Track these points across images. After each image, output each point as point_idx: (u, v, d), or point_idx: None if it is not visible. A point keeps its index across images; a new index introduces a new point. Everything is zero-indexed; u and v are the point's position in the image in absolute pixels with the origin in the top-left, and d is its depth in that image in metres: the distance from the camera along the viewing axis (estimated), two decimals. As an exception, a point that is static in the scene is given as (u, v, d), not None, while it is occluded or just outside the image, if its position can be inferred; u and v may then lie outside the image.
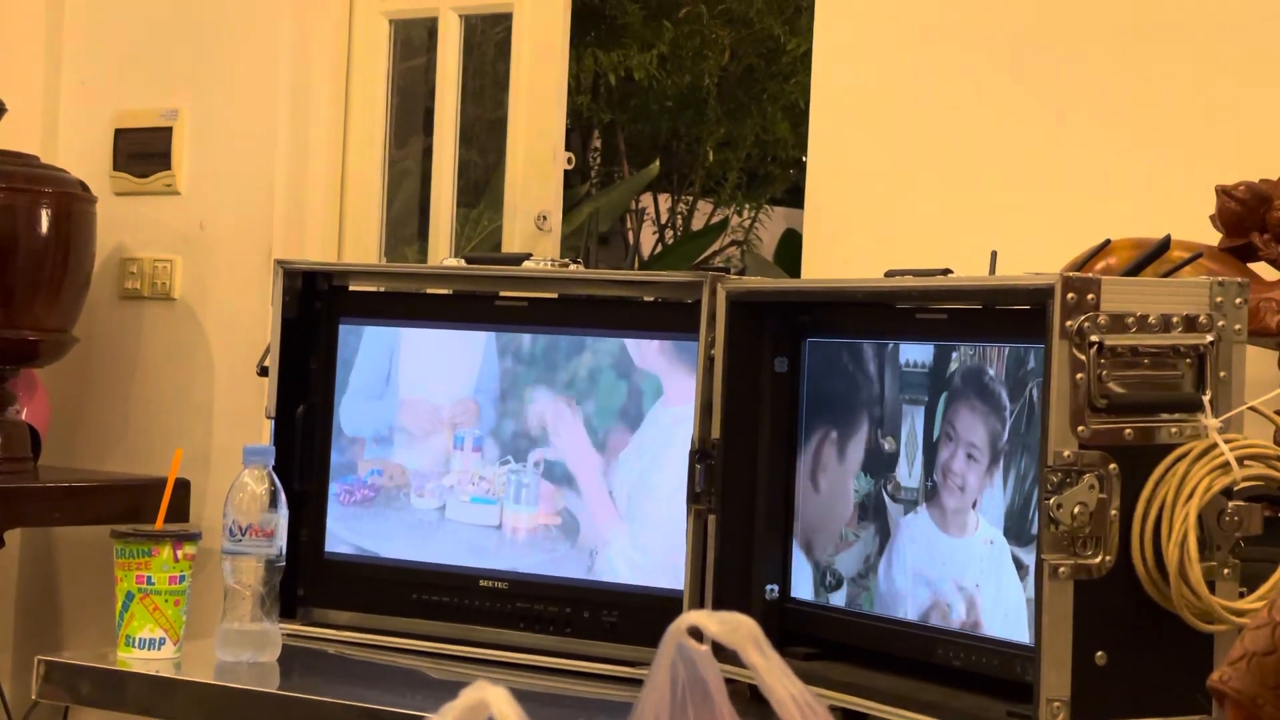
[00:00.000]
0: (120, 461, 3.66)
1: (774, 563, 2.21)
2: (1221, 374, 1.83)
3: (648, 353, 2.38)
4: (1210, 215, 2.43)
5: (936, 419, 2.03)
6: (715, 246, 7.46)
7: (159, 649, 2.31)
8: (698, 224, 7.85)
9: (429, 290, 2.59)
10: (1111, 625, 1.77)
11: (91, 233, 3.50)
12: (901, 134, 2.89)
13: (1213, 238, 2.43)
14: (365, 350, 2.56)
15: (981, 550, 1.95)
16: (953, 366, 2.02)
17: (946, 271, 2.12)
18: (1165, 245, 2.03)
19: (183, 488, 3.29)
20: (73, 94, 3.80)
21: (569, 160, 3.52)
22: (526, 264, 2.46)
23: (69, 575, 3.76)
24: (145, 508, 3.24)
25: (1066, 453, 1.76)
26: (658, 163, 7.29)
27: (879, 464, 2.11)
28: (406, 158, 3.87)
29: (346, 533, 2.55)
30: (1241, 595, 1.80)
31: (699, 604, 2.19)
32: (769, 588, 2.21)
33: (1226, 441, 1.78)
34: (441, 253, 3.50)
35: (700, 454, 2.21)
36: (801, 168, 5.42)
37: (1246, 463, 1.78)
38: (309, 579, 2.55)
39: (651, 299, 2.44)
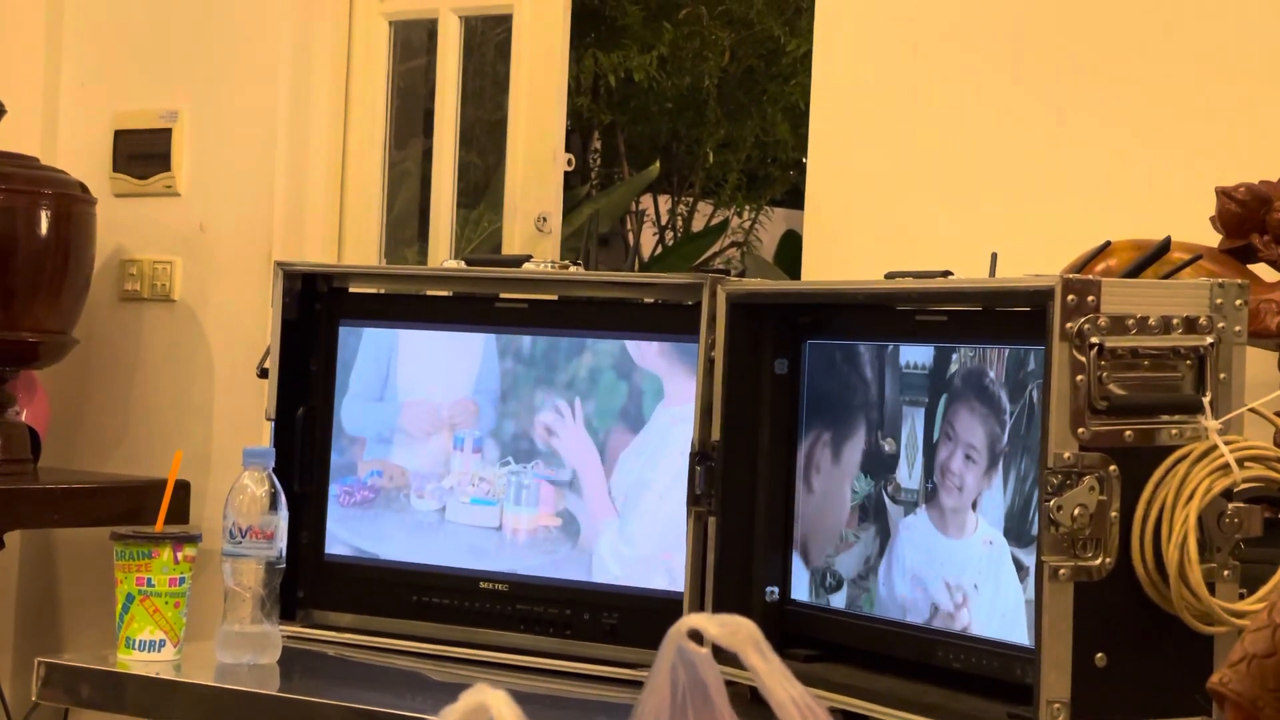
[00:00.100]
0: (120, 463, 3.66)
1: (774, 565, 2.21)
2: (1221, 375, 1.83)
3: (648, 354, 2.38)
4: (1210, 217, 2.43)
5: (937, 420, 2.03)
6: (715, 248, 7.46)
7: (159, 651, 2.31)
8: (698, 225, 7.85)
9: (429, 292, 2.59)
10: (1111, 627, 1.77)
11: (91, 234, 3.50)
12: (902, 136, 2.89)
13: (1213, 239, 2.43)
14: (365, 352, 2.56)
15: (981, 551, 1.95)
16: (953, 368, 2.02)
17: (946, 273, 2.12)
18: (1165, 247, 2.04)
19: (183, 489, 3.29)
20: (72, 95, 3.80)
21: (569, 162, 3.52)
22: (526, 266, 2.46)
23: (69, 577, 3.76)
24: (145, 509, 3.24)
25: (1067, 454, 1.76)
26: (658, 164, 7.29)
27: (879, 465, 2.11)
28: (406, 159, 3.87)
29: (346, 534, 2.55)
30: (1241, 597, 1.80)
31: (699, 606, 2.19)
32: (769, 589, 2.21)
33: (1227, 443, 1.78)
34: (441, 254, 3.50)
35: (700, 456, 2.21)
36: (802, 169, 5.41)
37: (1247, 464, 1.78)
38: (309, 581, 2.55)
39: (651, 300, 2.44)
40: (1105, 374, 1.78)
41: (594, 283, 2.48)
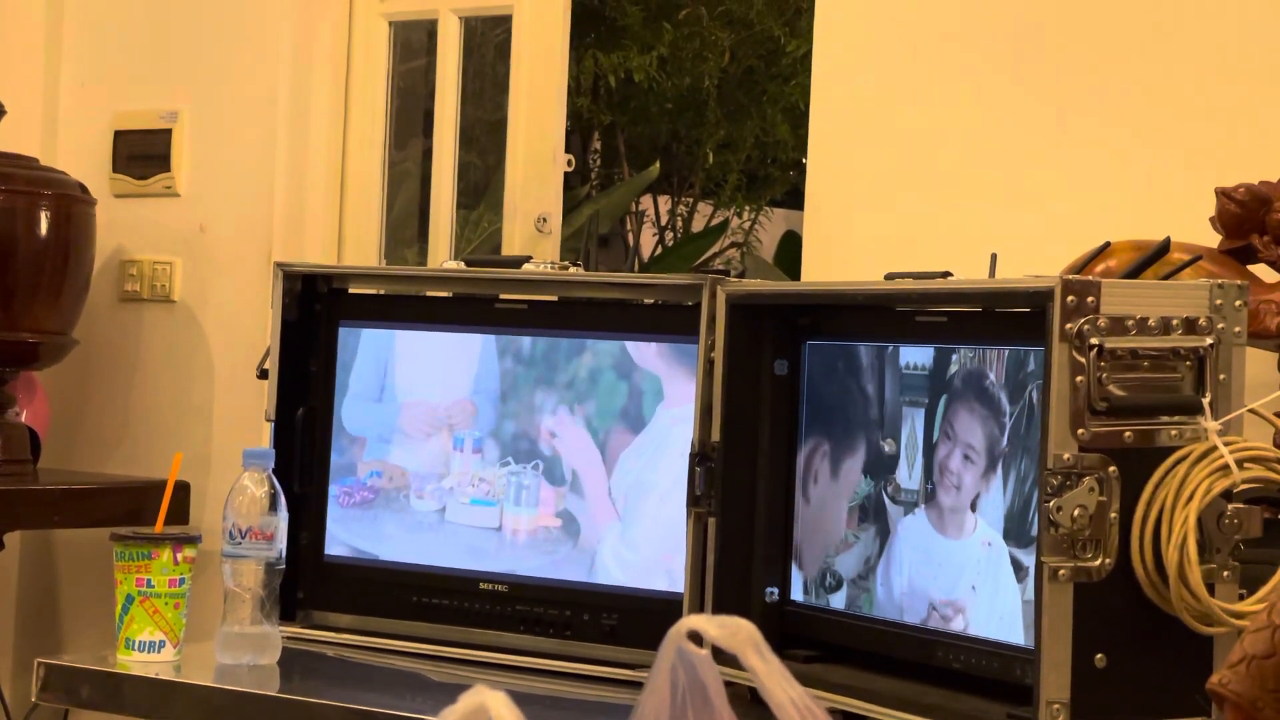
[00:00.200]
0: (120, 464, 3.66)
1: (774, 565, 2.21)
2: (1221, 376, 1.83)
3: (648, 355, 2.38)
4: (1210, 217, 2.43)
5: (936, 421, 2.03)
6: (715, 248, 7.47)
7: (159, 652, 2.31)
8: (698, 226, 7.85)
9: (429, 293, 2.59)
10: (1111, 628, 1.77)
11: (91, 235, 3.50)
12: (901, 136, 2.89)
13: (1212, 240, 2.43)
14: (365, 353, 2.56)
15: (979, 552, 1.95)
16: (953, 369, 2.02)
17: (946, 274, 2.12)
18: (1165, 248, 2.04)
19: (182, 490, 3.29)
20: (72, 96, 3.80)
21: (569, 162, 3.52)
22: (526, 266, 2.46)
23: (69, 578, 3.76)
24: (145, 510, 3.23)
25: (1066, 455, 1.76)
26: (658, 164, 7.29)
27: (879, 466, 2.11)
28: (406, 159, 3.87)
29: (346, 535, 2.55)
30: (1241, 598, 1.80)
31: (699, 607, 2.19)
32: (769, 590, 2.21)
33: (1226, 444, 1.78)
34: (441, 255, 3.50)
35: (700, 457, 2.21)
36: (802, 169, 5.41)
37: (1246, 465, 1.78)
38: (309, 582, 2.55)
39: (651, 301, 2.44)
40: (1105, 375, 1.78)
41: (594, 283, 2.48)
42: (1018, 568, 1.89)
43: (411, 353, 2.54)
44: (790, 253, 6.54)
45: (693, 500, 2.21)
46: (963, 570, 1.97)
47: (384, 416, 2.55)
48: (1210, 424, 1.80)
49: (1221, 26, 2.65)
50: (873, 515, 2.11)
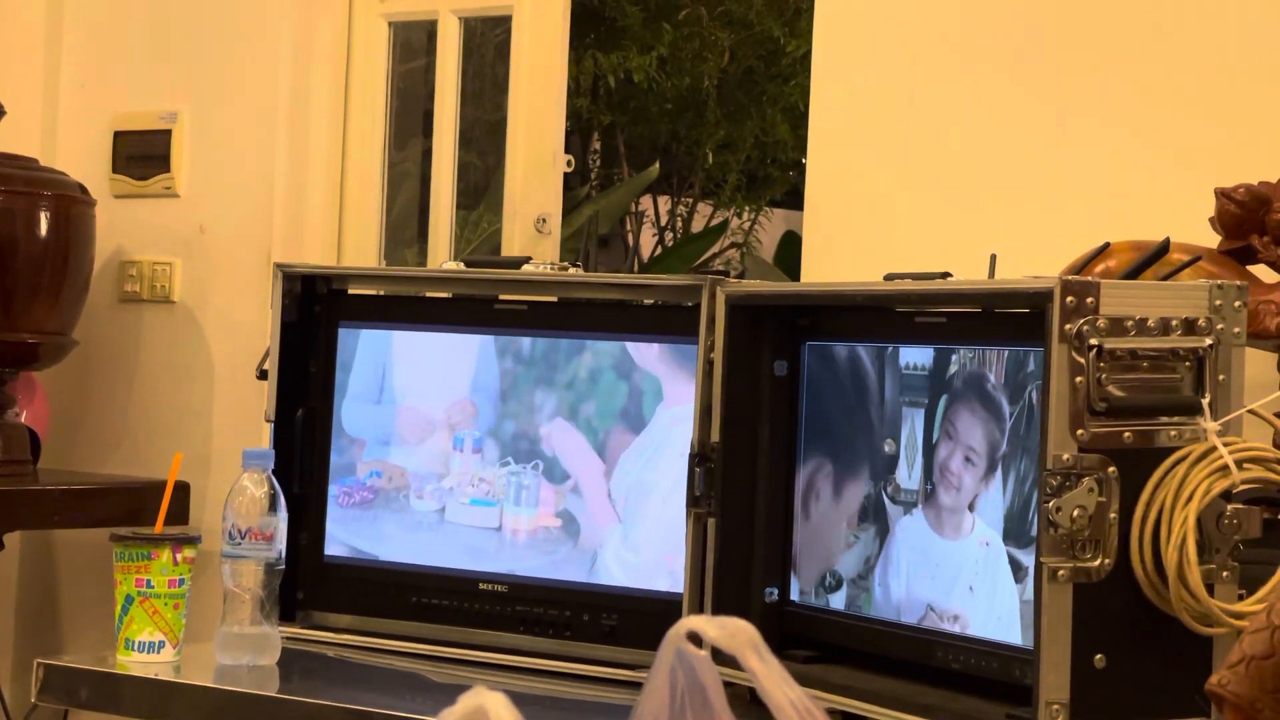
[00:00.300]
0: (120, 464, 3.66)
1: (773, 566, 2.21)
2: (1220, 377, 1.83)
3: (648, 356, 2.38)
4: (1209, 218, 2.43)
5: (936, 422, 2.03)
6: (715, 249, 7.47)
7: (158, 652, 2.31)
8: (697, 226, 7.86)
9: (428, 293, 2.59)
10: (1110, 628, 1.77)
11: (91, 235, 3.50)
12: (901, 136, 2.89)
13: (1212, 240, 2.43)
14: (364, 353, 2.56)
15: (977, 552, 1.95)
16: (952, 369, 2.02)
17: (946, 275, 2.12)
18: (1164, 248, 2.04)
19: (182, 491, 3.29)
20: (72, 96, 3.80)
21: (569, 163, 3.52)
22: (526, 267, 2.46)
23: (68, 578, 3.76)
24: (145, 511, 3.23)
25: (1066, 456, 1.76)
26: (657, 165, 7.29)
27: (879, 466, 2.11)
28: (406, 160, 3.87)
29: (345, 535, 2.55)
30: (1240, 598, 1.81)
31: (698, 607, 2.19)
32: (768, 591, 2.21)
33: (1225, 444, 1.78)
34: (441, 255, 3.50)
35: (700, 457, 2.21)
36: (801, 170, 5.41)
37: (1245, 466, 1.78)
38: (308, 582, 2.55)
39: (651, 302, 2.44)
40: (1104, 375, 1.78)
41: (593, 284, 2.48)
42: (1017, 568, 1.90)
43: (411, 353, 2.55)
44: (790, 253, 6.54)
45: (692, 501, 2.21)
46: (960, 570, 1.97)
47: (383, 417, 2.55)
48: (1210, 424, 1.80)
49: (1221, 27, 2.65)
50: (872, 515, 2.11)
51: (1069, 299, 1.77)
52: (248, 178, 3.58)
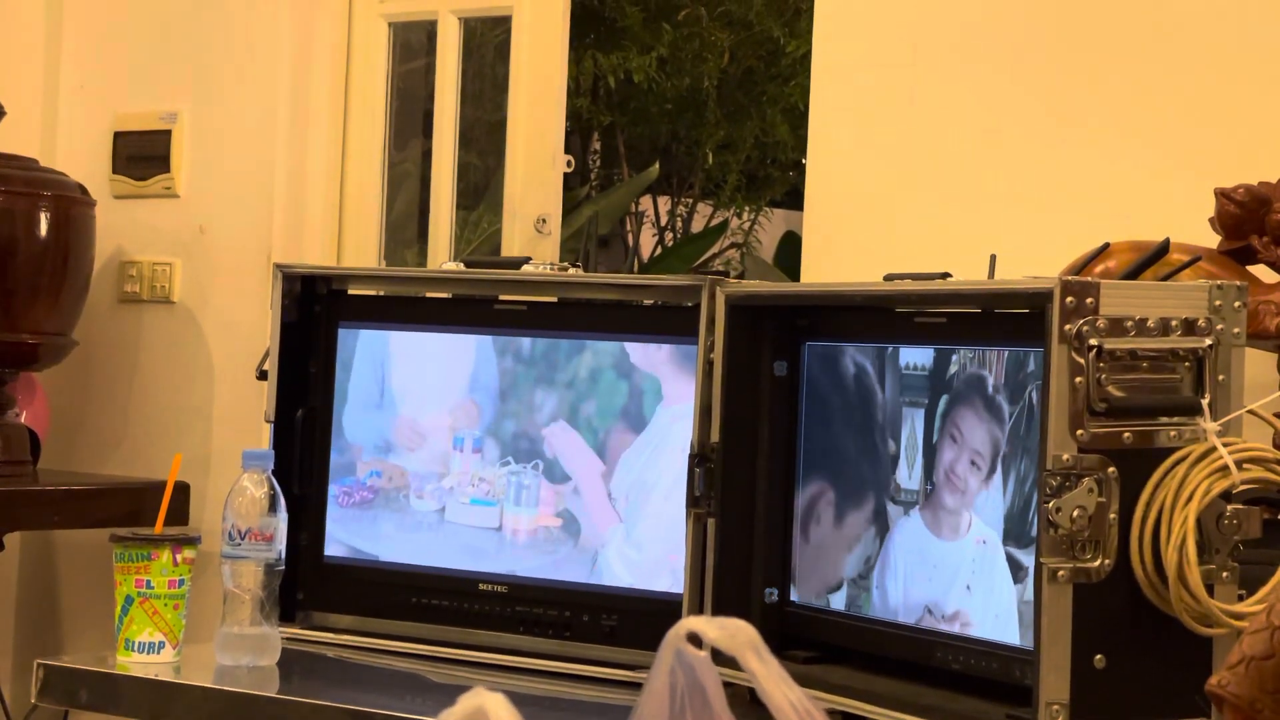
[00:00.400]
0: (120, 465, 3.66)
1: (773, 566, 2.21)
2: (1220, 377, 1.83)
3: (647, 356, 2.38)
4: (1209, 218, 2.43)
5: (936, 422, 2.03)
6: (715, 249, 7.47)
7: (158, 653, 2.31)
8: (697, 226, 7.85)
9: (428, 294, 2.59)
10: (1110, 629, 1.77)
11: (91, 236, 3.50)
12: (901, 137, 2.89)
13: (1212, 240, 2.43)
14: (364, 354, 2.56)
15: (974, 551, 1.95)
16: (952, 370, 2.02)
17: (945, 275, 2.12)
18: (1164, 248, 2.04)
19: (182, 491, 3.29)
20: (72, 97, 3.80)
21: (568, 163, 3.52)
22: (526, 267, 2.46)
23: (68, 579, 3.76)
24: (145, 511, 3.24)
25: (1065, 456, 1.76)
26: (657, 165, 7.29)
27: (879, 466, 2.11)
28: (406, 160, 3.87)
29: (345, 535, 2.55)
30: (1240, 598, 1.81)
31: (698, 607, 2.19)
32: (768, 591, 2.21)
33: (1225, 445, 1.78)
34: (441, 256, 3.50)
35: (700, 458, 2.21)
36: (801, 170, 5.42)
37: (1245, 466, 1.78)
38: (308, 583, 2.55)
39: (651, 302, 2.44)
40: (1104, 376, 1.78)
41: (593, 284, 2.48)
42: (1016, 568, 1.90)
43: (411, 353, 2.54)
44: (790, 253, 6.55)
45: (692, 501, 2.21)
46: (958, 570, 1.97)
47: (383, 417, 2.54)
48: (1209, 425, 1.80)
49: (1221, 27, 2.65)
50: (873, 515, 2.11)
51: (1069, 299, 1.77)
52: (248, 178, 3.58)
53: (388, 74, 3.63)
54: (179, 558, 2.32)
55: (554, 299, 2.51)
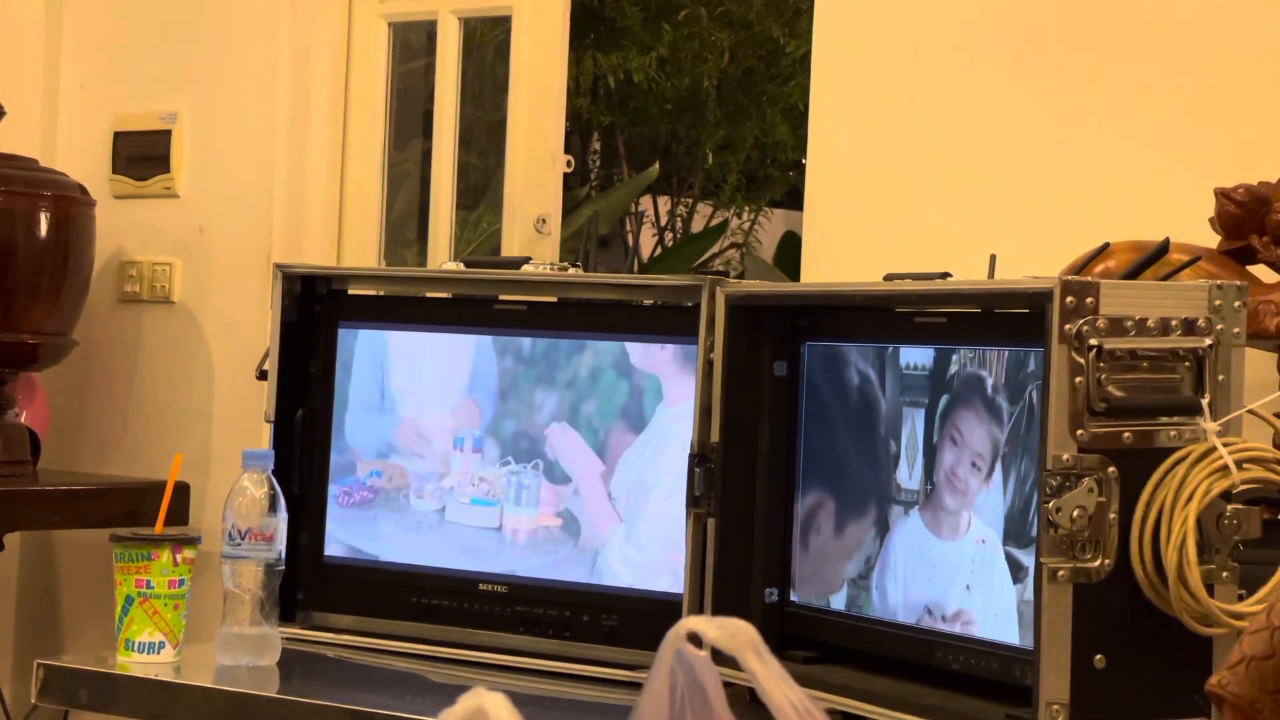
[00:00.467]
0: (120, 465, 3.66)
1: (773, 566, 2.21)
2: (1220, 377, 1.83)
3: (647, 356, 2.38)
4: (1209, 218, 2.43)
5: (936, 422, 2.03)
6: (715, 249, 7.47)
7: (158, 653, 2.31)
8: (697, 226, 7.85)
9: (428, 294, 2.59)
10: (1110, 629, 1.77)
11: (91, 236, 3.50)
12: (901, 137, 2.89)
13: (1211, 240, 2.43)
14: (364, 354, 2.56)
15: (973, 551, 1.95)
16: (952, 370, 2.02)
17: (945, 275, 2.12)
18: (1164, 248, 2.04)
19: (182, 492, 3.29)
20: (72, 97, 3.80)
21: (568, 163, 3.52)
22: (526, 267, 2.46)
23: (68, 579, 3.76)
24: (145, 511, 3.24)
25: (1065, 456, 1.76)
26: (657, 165, 7.29)
27: (879, 466, 2.11)
28: (406, 160, 3.87)
29: (345, 535, 2.55)
30: (1240, 598, 1.81)
31: (698, 607, 2.19)
32: (768, 591, 2.21)
33: (1225, 445, 1.78)
34: (441, 256, 3.50)
35: (699, 458, 2.21)
36: (801, 170, 5.41)
37: (1245, 466, 1.78)
38: (308, 583, 2.55)
39: (651, 302, 2.44)
40: (1104, 376, 1.78)
41: (593, 284, 2.48)
42: (1016, 568, 1.90)
43: (411, 353, 2.54)
44: (790, 253, 6.54)
45: (692, 501, 2.21)
46: (957, 570, 1.97)
47: (383, 417, 2.54)
48: (1209, 425, 1.80)
49: (1221, 27, 2.65)
50: (873, 515, 2.11)
51: (1069, 299, 1.77)
52: (248, 178, 3.58)
53: (388, 74, 3.63)
54: (179, 558, 2.32)
55: (554, 299, 2.51)
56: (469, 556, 2.47)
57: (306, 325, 2.58)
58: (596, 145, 7.93)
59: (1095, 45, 2.74)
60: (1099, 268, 2.30)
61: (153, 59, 3.70)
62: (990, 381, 1.96)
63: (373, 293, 2.64)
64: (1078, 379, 1.77)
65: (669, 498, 2.30)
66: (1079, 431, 1.76)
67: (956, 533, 1.98)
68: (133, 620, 2.31)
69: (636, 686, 2.18)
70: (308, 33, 3.58)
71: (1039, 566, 1.76)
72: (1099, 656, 1.76)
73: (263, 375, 2.57)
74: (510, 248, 3.44)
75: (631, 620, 2.35)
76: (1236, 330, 1.84)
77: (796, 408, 2.22)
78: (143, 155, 3.69)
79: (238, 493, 2.31)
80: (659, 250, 7.68)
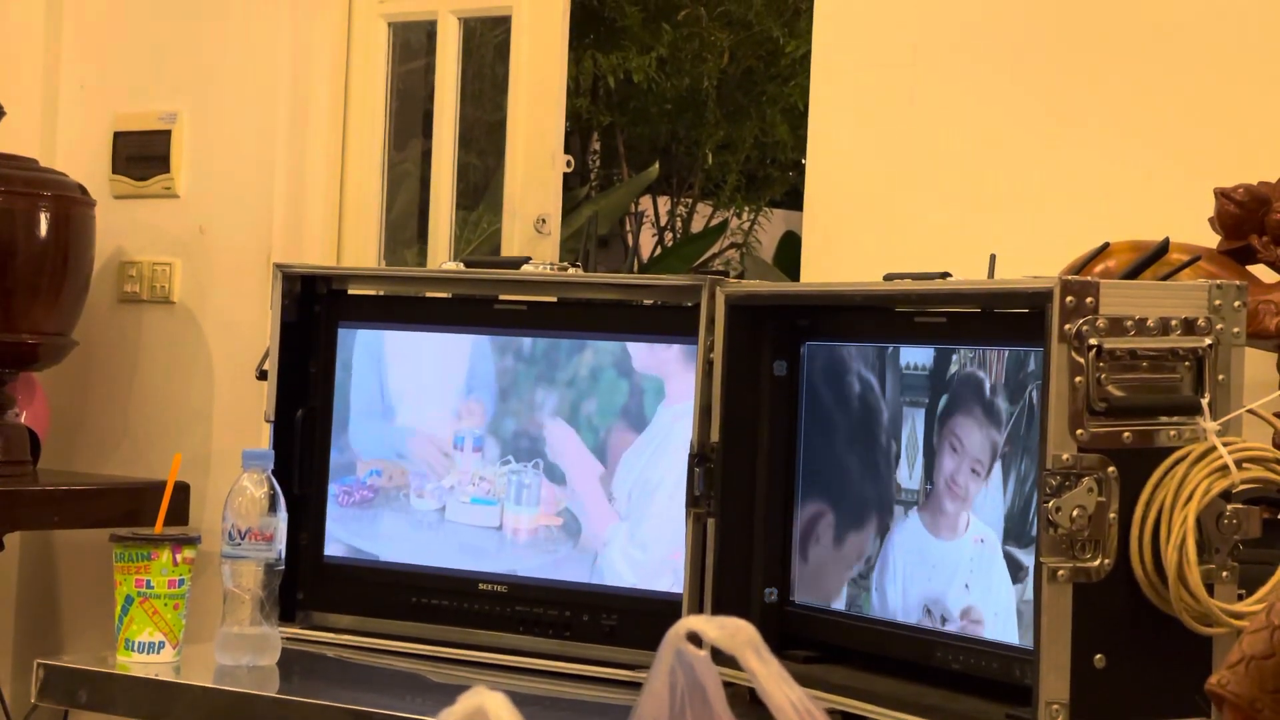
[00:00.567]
0: (119, 465, 3.66)
1: (773, 566, 2.21)
2: (1220, 377, 1.83)
3: (647, 356, 2.38)
4: (1209, 218, 2.43)
5: (936, 422, 2.03)
6: (715, 249, 7.47)
7: (158, 653, 2.31)
8: (697, 226, 7.85)
9: (428, 294, 2.59)
10: (1110, 628, 1.77)
11: (90, 236, 3.50)
12: (901, 137, 2.89)
13: (1211, 240, 2.43)
14: (364, 354, 2.56)
15: (972, 550, 1.95)
16: (952, 369, 2.02)
17: (945, 275, 2.12)
18: (1164, 248, 2.04)
19: (182, 491, 3.29)
20: (72, 97, 3.80)
21: (568, 163, 3.52)
22: (525, 267, 2.46)
23: (68, 579, 3.76)
24: (145, 511, 3.24)
25: (1065, 456, 1.76)
26: (657, 165, 7.29)
27: (879, 465, 2.11)
28: (405, 160, 3.87)
29: (345, 535, 2.55)
30: (1240, 598, 1.81)
31: (698, 607, 2.19)
32: (768, 591, 2.21)
33: (1225, 444, 1.78)
34: (441, 256, 3.50)
35: (699, 458, 2.21)
36: (801, 170, 5.41)
37: (1245, 465, 1.78)
38: (308, 582, 2.55)
39: (651, 302, 2.44)
40: (1104, 375, 1.78)
41: (593, 284, 2.48)
42: (1016, 567, 1.90)
43: (410, 353, 2.54)
44: (790, 253, 6.54)
45: (692, 501, 2.21)
46: (956, 569, 1.98)
47: (383, 421, 2.54)
48: (1209, 424, 1.80)
49: (1221, 27, 2.65)
50: (874, 515, 2.11)
51: (1069, 299, 1.77)
52: (248, 178, 3.58)
53: (387, 74, 3.63)
54: (179, 558, 2.32)
55: (554, 299, 2.51)
56: (469, 556, 2.47)
57: (306, 325, 2.58)
58: (596, 145, 7.93)
59: (1095, 45, 2.74)
60: (1099, 267, 2.30)
61: (152, 59, 3.70)
62: (990, 381, 1.96)
63: (373, 293, 2.64)
64: (1077, 379, 1.77)
65: (671, 497, 2.30)
66: (1079, 431, 1.76)
67: (955, 532, 1.98)
68: (133, 620, 2.31)
69: (636, 686, 2.18)
70: (307, 33, 3.58)
71: (1039, 566, 1.76)
72: (1099, 656, 1.76)
73: (263, 375, 2.57)
74: (510, 248, 3.44)
75: (631, 620, 2.35)
76: (1236, 330, 1.84)
77: (796, 408, 2.22)
78: (143, 155, 3.69)
79: (238, 493, 2.31)
80: (659, 250, 7.68)
